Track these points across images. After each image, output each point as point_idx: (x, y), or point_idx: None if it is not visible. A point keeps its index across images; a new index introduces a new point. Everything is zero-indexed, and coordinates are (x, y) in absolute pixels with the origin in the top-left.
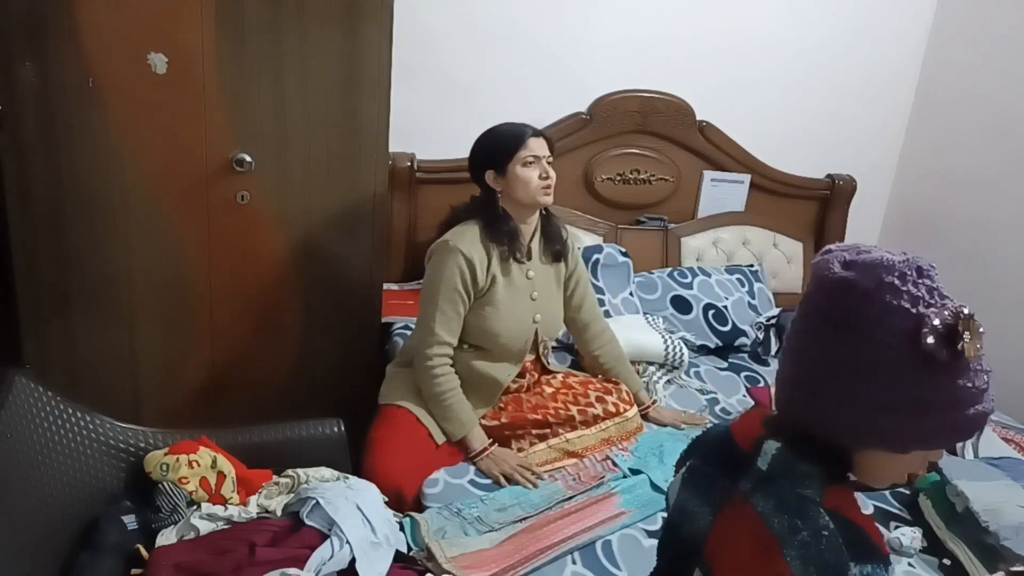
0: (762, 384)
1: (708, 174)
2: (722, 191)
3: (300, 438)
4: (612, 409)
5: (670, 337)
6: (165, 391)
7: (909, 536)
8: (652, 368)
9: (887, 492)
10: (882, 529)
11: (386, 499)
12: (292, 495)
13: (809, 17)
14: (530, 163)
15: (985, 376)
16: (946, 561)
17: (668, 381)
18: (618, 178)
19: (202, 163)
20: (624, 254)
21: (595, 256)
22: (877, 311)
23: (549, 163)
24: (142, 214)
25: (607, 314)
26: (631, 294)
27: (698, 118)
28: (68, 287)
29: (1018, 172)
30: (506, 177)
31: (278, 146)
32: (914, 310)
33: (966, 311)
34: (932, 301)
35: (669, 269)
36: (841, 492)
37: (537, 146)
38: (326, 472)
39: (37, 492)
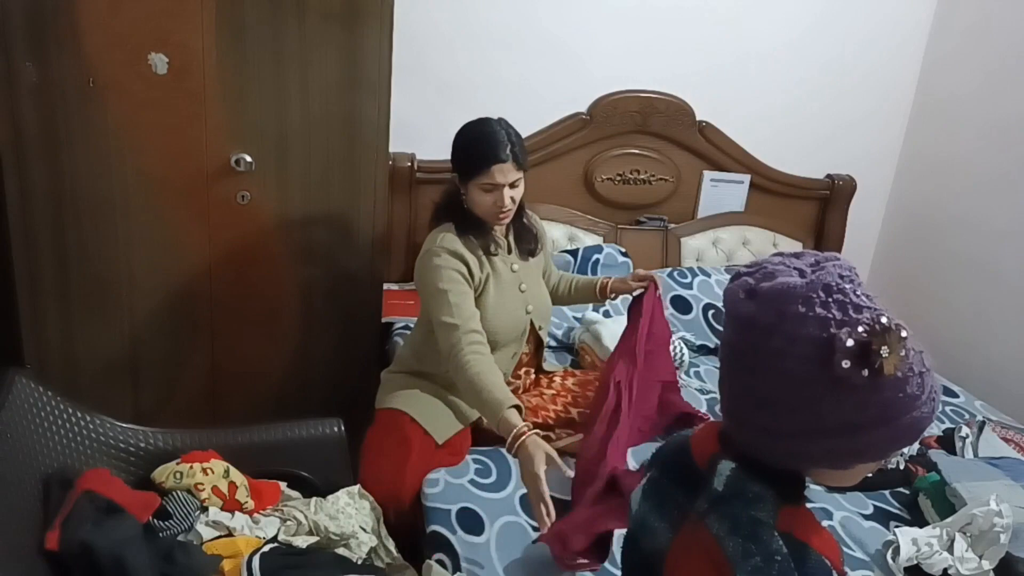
0: None
1: (708, 174)
2: (722, 191)
3: (300, 438)
4: None
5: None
6: (165, 391)
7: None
8: None
9: (887, 492)
10: (881, 529)
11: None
12: (321, 537)
13: (809, 17)
14: (488, 190)
15: (919, 380)
16: None
17: None
18: (618, 178)
19: (202, 163)
20: (624, 254)
21: (595, 256)
22: (780, 344)
23: (515, 186)
24: (142, 214)
25: (607, 314)
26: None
27: (698, 118)
28: (68, 287)
29: (1018, 172)
30: (466, 188)
31: (278, 146)
32: (824, 335)
33: (884, 320)
34: (845, 318)
35: (669, 269)
36: (795, 512)
37: (500, 174)
38: (343, 497)
39: (37, 492)
